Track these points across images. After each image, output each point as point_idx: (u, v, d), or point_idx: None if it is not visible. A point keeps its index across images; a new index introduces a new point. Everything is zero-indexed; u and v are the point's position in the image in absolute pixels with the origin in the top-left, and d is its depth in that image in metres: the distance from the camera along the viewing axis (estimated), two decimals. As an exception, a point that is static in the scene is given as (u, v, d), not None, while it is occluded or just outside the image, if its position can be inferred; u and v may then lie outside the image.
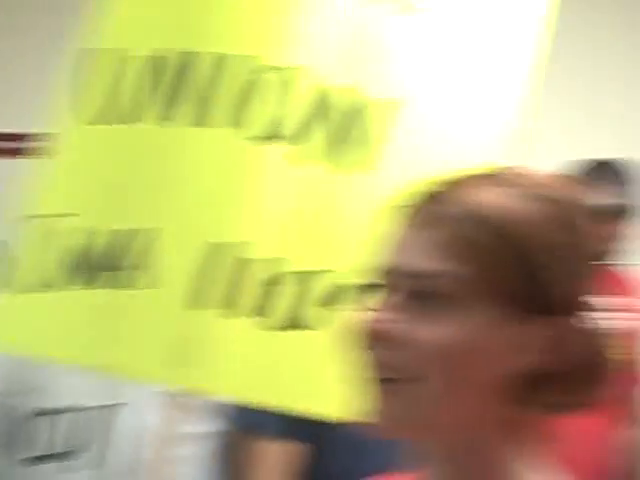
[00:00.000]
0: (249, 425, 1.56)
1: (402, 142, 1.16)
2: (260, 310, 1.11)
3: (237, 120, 1.15)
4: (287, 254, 1.12)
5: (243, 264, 1.12)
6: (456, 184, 0.74)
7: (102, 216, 1.19)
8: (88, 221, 1.19)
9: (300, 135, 1.15)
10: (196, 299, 1.12)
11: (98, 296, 1.16)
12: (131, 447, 1.54)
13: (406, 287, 0.71)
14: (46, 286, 1.18)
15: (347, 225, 1.13)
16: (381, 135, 1.16)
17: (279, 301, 1.11)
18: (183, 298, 1.12)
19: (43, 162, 1.27)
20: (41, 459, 1.51)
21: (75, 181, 1.25)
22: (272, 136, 1.14)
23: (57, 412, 1.53)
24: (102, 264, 1.16)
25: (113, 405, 1.55)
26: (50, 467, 1.51)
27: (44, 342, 1.21)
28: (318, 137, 1.15)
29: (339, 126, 1.15)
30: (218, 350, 1.11)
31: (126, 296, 1.14)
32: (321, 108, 1.15)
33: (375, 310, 0.71)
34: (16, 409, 1.50)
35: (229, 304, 1.11)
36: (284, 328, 1.11)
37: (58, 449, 1.53)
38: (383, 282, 0.74)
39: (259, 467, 1.60)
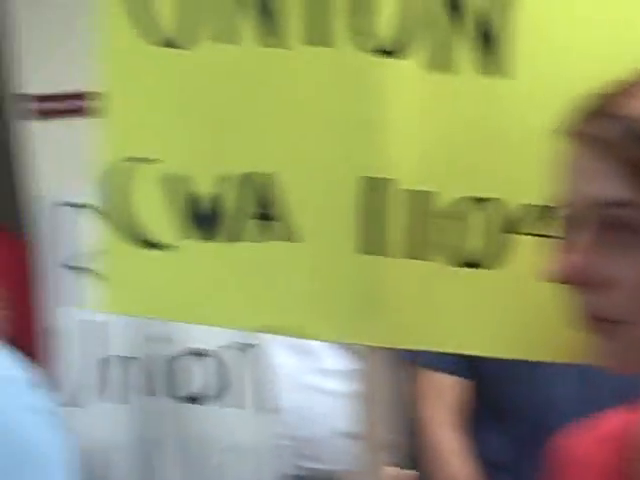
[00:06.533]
0: (427, 360, 1.53)
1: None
2: (437, 249, 0.99)
3: (358, 32, 0.98)
4: (446, 182, 0.98)
5: (410, 198, 0.98)
6: (617, 96, 0.68)
7: (199, 160, 1.04)
8: (181, 167, 1.04)
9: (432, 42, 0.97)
10: (367, 244, 1.00)
11: (236, 251, 1.05)
12: (271, 387, 1.50)
13: (596, 219, 0.66)
14: (154, 241, 1.07)
15: (502, 144, 0.96)
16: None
17: (454, 237, 0.98)
18: (353, 245, 1.00)
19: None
20: (192, 401, 1.50)
21: (150, 119, 1.05)
22: (402, 46, 0.97)
23: (201, 354, 1.50)
24: (221, 215, 1.04)
25: (247, 345, 1.50)
26: (199, 408, 1.49)
27: (172, 303, 1.11)
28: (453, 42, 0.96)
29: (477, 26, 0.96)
30: (401, 298, 1.01)
31: (270, 249, 1.03)
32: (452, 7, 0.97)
33: (569, 252, 0.67)
34: (161, 353, 1.50)
35: (404, 246, 0.99)
36: (464, 266, 0.98)
37: (205, 391, 1.50)
38: (565, 212, 0.70)
39: (433, 400, 1.58)
